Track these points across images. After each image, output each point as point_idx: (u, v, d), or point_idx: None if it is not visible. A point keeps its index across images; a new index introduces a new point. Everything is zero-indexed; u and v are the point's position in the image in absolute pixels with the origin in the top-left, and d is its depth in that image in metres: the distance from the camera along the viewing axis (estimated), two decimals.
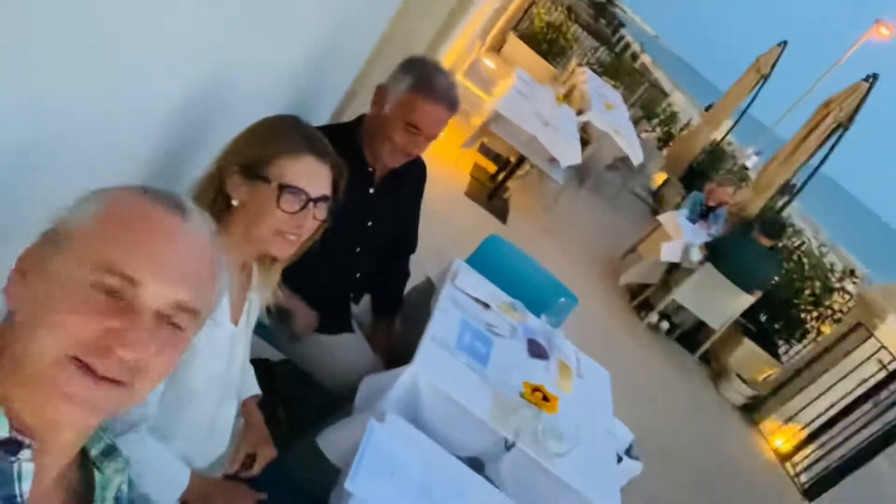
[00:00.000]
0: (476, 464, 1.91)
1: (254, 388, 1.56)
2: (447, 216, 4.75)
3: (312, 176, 1.23)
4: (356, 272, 2.02)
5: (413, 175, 2.02)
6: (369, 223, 1.93)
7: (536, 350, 2.18)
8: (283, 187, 1.19)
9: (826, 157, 7.15)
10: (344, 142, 1.82)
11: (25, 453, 0.66)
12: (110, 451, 0.80)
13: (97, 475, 0.78)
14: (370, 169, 1.87)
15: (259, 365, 1.79)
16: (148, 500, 1.18)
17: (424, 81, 1.75)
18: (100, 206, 0.71)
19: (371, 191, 1.90)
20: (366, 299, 2.19)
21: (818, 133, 6.97)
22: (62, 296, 0.67)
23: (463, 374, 1.93)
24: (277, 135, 1.24)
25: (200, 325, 0.76)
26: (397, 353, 2.06)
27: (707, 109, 13.74)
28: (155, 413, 1.21)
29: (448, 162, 5.56)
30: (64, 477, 0.73)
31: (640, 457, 2.57)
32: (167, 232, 0.72)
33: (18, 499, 0.64)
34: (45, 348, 0.65)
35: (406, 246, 2.20)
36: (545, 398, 1.90)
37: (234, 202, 1.21)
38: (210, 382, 1.32)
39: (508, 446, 1.86)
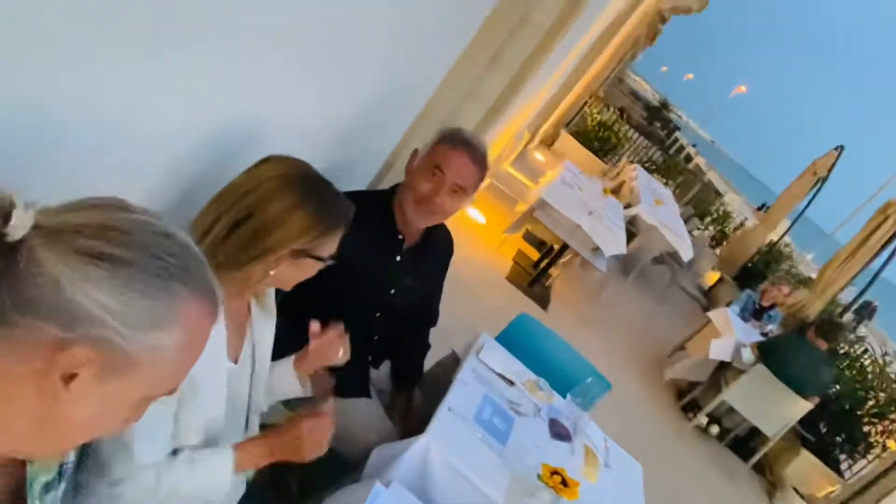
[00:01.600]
0: None
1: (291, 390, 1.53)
2: (485, 298, 4.70)
3: (335, 245, 1.30)
4: (375, 335, 1.98)
5: (440, 249, 2.02)
6: (392, 290, 1.92)
7: (559, 430, 2.06)
8: (320, 258, 1.27)
9: (887, 262, 6.86)
10: (377, 208, 1.86)
11: None
12: None
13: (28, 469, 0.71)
14: (400, 237, 1.88)
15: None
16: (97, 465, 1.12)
17: (450, 133, 1.83)
18: (176, 328, 0.64)
19: (398, 258, 1.90)
20: (385, 366, 2.14)
21: (878, 236, 6.73)
22: (107, 413, 0.65)
23: (479, 449, 1.83)
24: (324, 212, 1.26)
25: None
26: (416, 426, 1.98)
27: (760, 209, 13.51)
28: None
29: (491, 246, 5.57)
30: None
31: None
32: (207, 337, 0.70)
33: None
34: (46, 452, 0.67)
35: (427, 318, 2.18)
36: (564, 483, 1.77)
37: (272, 272, 1.24)
38: (209, 424, 1.29)
39: None
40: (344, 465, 1.91)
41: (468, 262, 5.14)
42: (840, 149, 9.24)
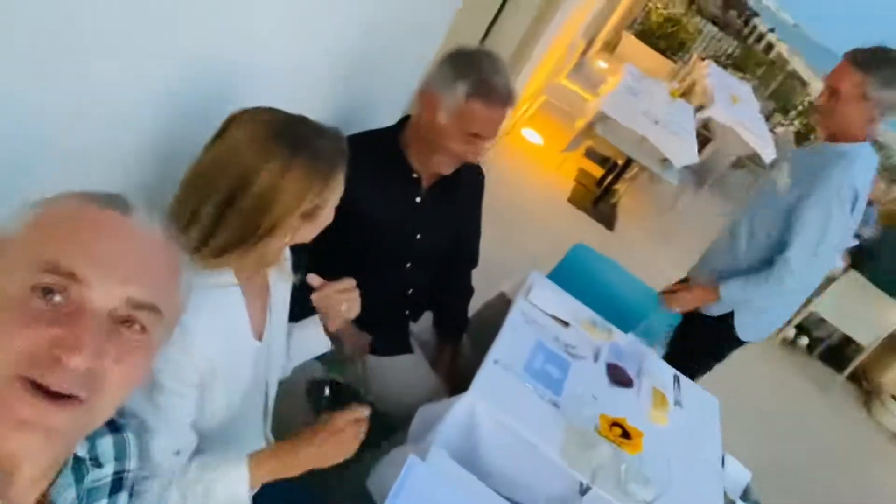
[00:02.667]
0: None
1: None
2: (546, 224, 4.48)
3: (342, 185, 1.17)
4: (409, 288, 1.84)
5: (468, 182, 1.82)
6: (418, 236, 1.75)
7: (618, 376, 1.89)
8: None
9: None
10: (384, 148, 1.67)
11: None
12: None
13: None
14: (415, 176, 1.70)
15: (314, 387, 1.66)
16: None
17: (483, 86, 1.56)
18: (33, 212, 0.66)
19: (418, 200, 1.73)
20: (426, 317, 2.01)
21: None
22: (0, 309, 0.60)
23: (530, 403, 1.70)
24: (318, 160, 1.12)
25: (169, 326, 0.70)
26: (465, 379, 1.87)
27: None
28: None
29: (551, 168, 5.28)
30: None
31: (760, 501, 2.18)
32: (109, 226, 0.66)
33: None
34: None
35: (465, 260, 2.00)
36: (625, 435, 1.62)
37: (287, 238, 1.14)
38: (231, 404, 1.22)
39: (583, 491, 1.60)
40: (389, 427, 1.82)
41: (527, 187, 4.90)
42: None
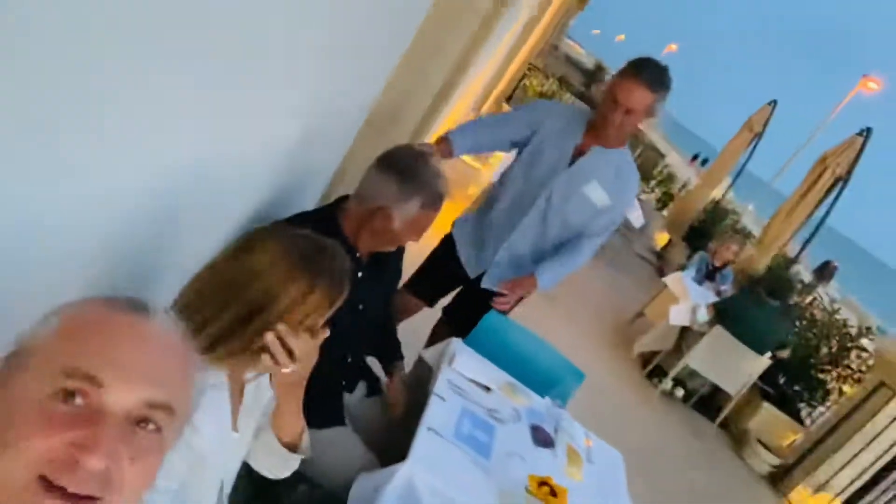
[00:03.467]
0: None
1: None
2: None
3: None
4: (347, 357, 1.90)
5: (393, 253, 1.94)
6: (360, 307, 1.83)
7: (542, 437, 2.03)
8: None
9: (829, 211, 7.10)
10: (323, 227, 1.75)
11: None
12: None
13: None
14: (357, 255, 1.79)
15: (250, 469, 1.65)
16: None
17: (434, 199, 1.79)
18: (56, 319, 0.69)
19: (360, 275, 1.81)
20: (360, 389, 2.06)
21: (818, 188, 6.95)
22: (24, 414, 0.63)
23: (463, 468, 1.78)
24: (333, 283, 1.24)
25: (181, 424, 0.73)
26: (397, 447, 1.92)
27: (694, 159, 13.81)
28: None
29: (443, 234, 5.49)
30: None
31: None
32: (128, 331, 0.70)
33: None
34: (12, 472, 0.61)
35: (393, 322, 2.13)
36: (553, 493, 1.75)
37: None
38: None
39: None
40: (325, 498, 1.83)
41: (421, 254, 5.05)
42: (773, 103, 9.47)
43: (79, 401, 0.64)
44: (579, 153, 2.42)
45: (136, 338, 0.70)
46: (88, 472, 0.62)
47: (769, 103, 9.51)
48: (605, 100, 2.32)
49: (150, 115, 0.94)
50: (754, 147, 9.63)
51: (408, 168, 1.76)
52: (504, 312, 2.50)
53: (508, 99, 10.98)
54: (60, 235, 0.91)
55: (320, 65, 1.66)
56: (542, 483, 1.76)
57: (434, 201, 1.78)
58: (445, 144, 2.40)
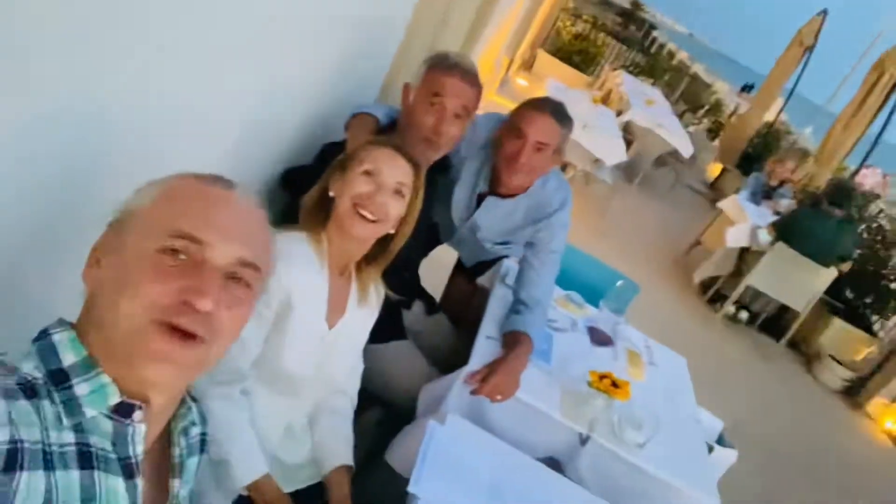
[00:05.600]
0: (554, 465, 1.79)
1: (343, 456, 1.47)
2: None
3: (390, 164, 1.38)
4: (405, 272, 1.96)
5: (443, 167, 1.97)
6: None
7: (599, 337, 2.06)
8: (365, 172, 1.37)
9: (886, 124, 6.73)
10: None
11: (137, 415, 0.73)
12: (181, 401, 0.84)
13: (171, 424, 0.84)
14: None
15: None
16: (225, 466, 1.24)
17: (438, 58, 1.77)
18: (157, 188, 0.79)
19: None
20: (418, 305, 2.12)
21: (876, 94, 6.60)
22: (136, 267, 0.72)
23: (525, 370, 1.83)
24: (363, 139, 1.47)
25: (263, 283, 0.82)
26: (458, 357, 1.98)
27: (743, 90, 13.29)
28: (248, 374, 1.33)
29: None
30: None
31: (734, 445, 2.37)
32: (221, 199, 0.79)
33: (133, 459, 0.73)
34: (128, 316, 0.70)
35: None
36: (614, 384, 1.78)
37: (331, 193, 1.39)
38: (291, 379, 1.39)
39: (584, 440, 1.74)
40: (391, 409, 1.92)
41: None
42: (824, 13, 8.99)
43: (183, 256, 0.73)
44: (480, 202, 2.06)
45: (228, 205, 0.79)
46: (199, 313, 0.72)
47: (819, 13, 9.03)
48: (506, 138, 1.89)
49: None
50: (806, 63, 9.18)
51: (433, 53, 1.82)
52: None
53: (542, 44, 10.76)
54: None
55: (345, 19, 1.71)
56: (603, 376, 1.80)
57: (440, 60, 1.74)
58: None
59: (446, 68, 1.72)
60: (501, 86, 7.34)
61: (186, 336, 0.71)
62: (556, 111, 1.89)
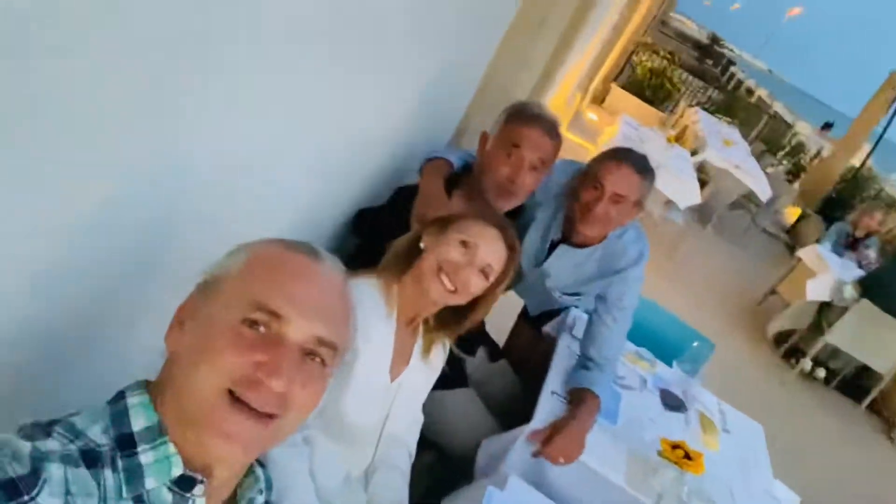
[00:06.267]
0: None
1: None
2: None
3: (488, 243, 1.37)
4: None
5: (517, 210, 1.93)
6: None
7: (671, 401, 1.95)
8: (462, 241, 1.36)
9: None
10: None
11: (198, 489, 0.72)
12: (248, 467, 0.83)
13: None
14: None
15: None
16: None
17: (518, 109, 1.75)
18: (245, 256, 0.79)
19: None
20: (481, 352, 2.07)
21: None
22: (216, 335, 0.72)
23: (591, 432, 1.75)
24: (473, 205, 1.51)
25: (340, 360, 0.80)
26: (518, 410, 1.92)
27: (824, 128, 12.76)
28: (311, 425, 1.32)
29: None
30: None
31: None
32: (305, 273, 0.79)
33: None
34: (203, 383, 0.70)
35: None
36: (687, 456, 1.68)
37: (422, 244, 1.39)
38: (352, 429, 1.38)
39: None
40: (449, 459, 1.86)
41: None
42: None
43: (262, 329, 0.73)
44: (553, 249, 2.00)
45: (310, 279, 0.79)
46: (270, 393, 0.71)
47: None
48: (583, 187, 1.83)
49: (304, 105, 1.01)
50: None
51: (512, 103, 1.81)
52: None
53: (616, 78, 10.64)
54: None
55: (436, 35, 1.70)
56: (676, 446, 1.70)
57: (520, 112, 1.73)
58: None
59: (526, 120, 1.70)
60: (573, 122, 7.27)
61: (258, 414, 0.71)
62: (638, 163, 1.83)
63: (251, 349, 0.71)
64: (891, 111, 8.75)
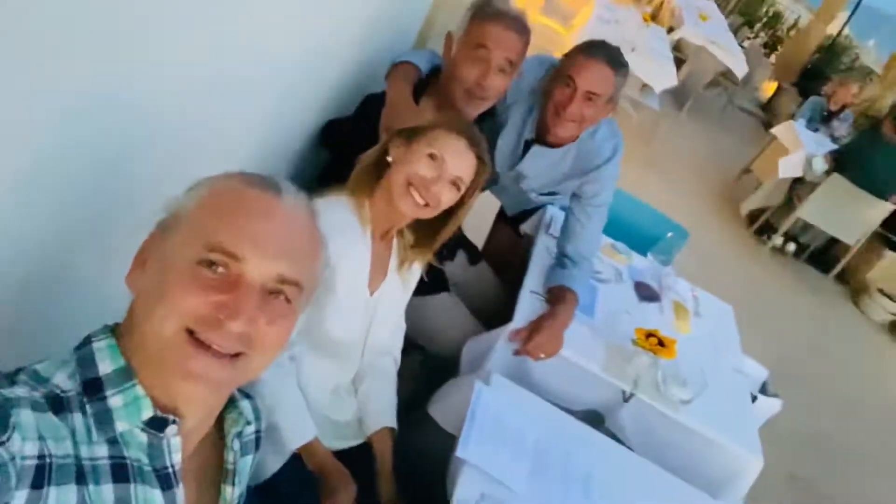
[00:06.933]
0: (595, 417, 1.81)
1: (387, 419, 1.49)
2: None
3: (457, 155, 1.34)
4: None
5: (488, 112, 1.90)
6: None
7: (646, 292, 2.02)
8: (430, 154, 1.33)
9: None
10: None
11: (171, 429, 0.72)
12: (230, 401, 0.84)
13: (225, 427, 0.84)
14: None
15: None
16: (276, 431, 1.28)
17: (483, 6, 1.67)
18: (202, 192, 0.76)
19: None
20: (460, 256, 2.11)
21: None
22: (174, 275, 0.71)
23: (570, 326, 1.82)
24: (440, 115, 1.43)
25: (308, 297, 0.79)
26: (499, 311, 1.98)
27: None
28: (297, 342, 1.35)
29: None
30: (201, 443, 0.80)
31: (778, 393, 2.36)
32: (264, 210, 0.76)
33: (170, 469, 0.72)
34: (163, 324, 0.69)
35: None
36: (661, 343, 1.76)
37: (389, 158, 1.37)
38: (337, 344, 1.41)
39: (627, 397, 1.74)
40: (436, 361, 1.94)
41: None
42: None
43: (221, 270, 0.71)
44: (526, 150, 1.96)
45: (271, 215, 0.76)
46: (231, 333, 0.70)
47: None
48: (555, 86, 1.79)
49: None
50: None
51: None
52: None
53: None
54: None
55: None
56: (650, 335, 1.78)
57: (484, 10, 1.65)
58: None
59: (491, 17, 1.63)
60: (546, 4, 6.98)
61: (221, 354, 0.70)
62: (611, 58, 1.78)
63: (208, 291, 0.70)
64: None
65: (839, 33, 9.41)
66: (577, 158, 1.94)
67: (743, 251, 5.11)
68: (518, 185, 2.07)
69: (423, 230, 1.45)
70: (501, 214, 2.42)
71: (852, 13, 9.62)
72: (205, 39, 0.95)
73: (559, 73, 1.80)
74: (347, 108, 1.82)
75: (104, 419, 0.68)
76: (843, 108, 5.73)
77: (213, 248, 0.71)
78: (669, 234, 2.13)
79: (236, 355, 0.71)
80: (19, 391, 0.64)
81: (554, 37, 5.38)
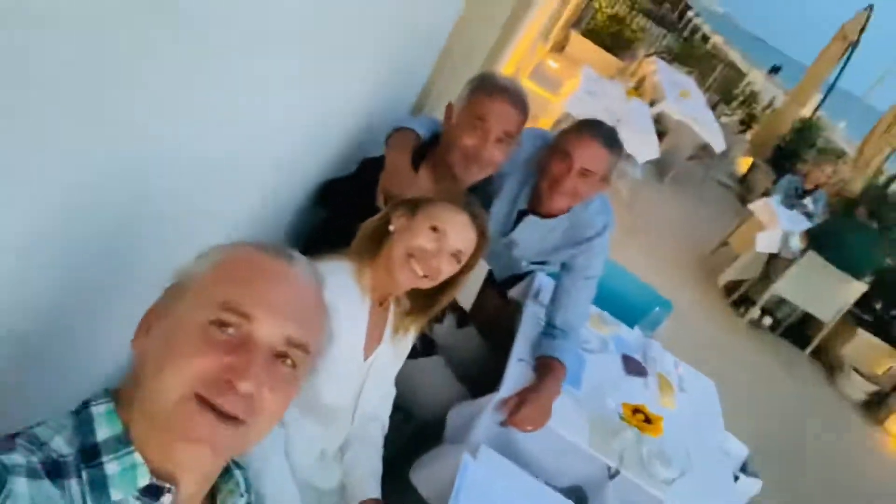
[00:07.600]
0: (579, 494, 1.78)
1: (371, 490, 1.43)
2: None
3: (458, 229, 1.35)
4: None
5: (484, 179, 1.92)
6: None
7: (633, 367, 2.02)
8: (432, 227, 1.34)
9: None
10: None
11: (167, 498, 0.70)
12: (225, 472, 0.82)
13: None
14: None
15: None
16: (261, 499, 1.22)
17: (485, 81, 1.72)
18: (214, 258, 0.77)
19: None
20: (449, 319, 2.10)
21: None
22: (184, 337, 0.70)
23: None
24: (441, 187, 1.48)
25: (312, 365, 0.79)
26: (488, 376, 1.96)
27: (771, 71, 12.91)
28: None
29: None
30: None
31: (758, 473, 2.34)
32: (276, 274, 0.77)
33: None
34: (170, 387, 0.68)
35: None
36: (647, 420, 1.75)
37: (392, 228, 1.37)
38: (327, 408, 1.38)
39: (612, 474, 1.71)
40: (420, 426, 1.90)
41: None
42: (870, 9, 8.68)
43: (231, 331, 0.71)
44: (520, 219, 1.99)
45: (283, 280, 0.77)
46: (239, 395, 0.69)
47: (865, 9, 8.72)
48: (551, 160, 1.83)
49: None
50: (847, 58, 8.89)
51: (479, 74, 1.78)
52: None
53: (575, 25, 10.52)
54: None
55: (394, 8, 1.65)
56: (637, 410, 1.77)
57: (485, 84, 1.69)
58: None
59: (492, 92, 1.67)
60: (535, 71, 7.20)
61: (227, 417, 0.69)
62: (607, 137, 1.83)
63: (219, 351, 0.69)
64: (842, 61, 8.91)
65: (813, 114, 9.80)
66: (568, 229, 1.97)
67: (721, 322, 5.15)
68: (510, 252, 2.08)
69: (420, 298, 1.45)
70: (490, 278, 2.42)
71: (826, 95, 10.05)
72: (209, 114, 0.96)
73: (556, 148, 1.84)
74: (346, 167, 1.83)
75: (99, 486, 0.66)
76: (817, 187, 5.91)
77: (227, 307, 0.71)
78: (657, 309, 2.15)
79: (239, 420, 0.70)
80: (17, 457, 0.62)
81: (543, 102, 5.53)
